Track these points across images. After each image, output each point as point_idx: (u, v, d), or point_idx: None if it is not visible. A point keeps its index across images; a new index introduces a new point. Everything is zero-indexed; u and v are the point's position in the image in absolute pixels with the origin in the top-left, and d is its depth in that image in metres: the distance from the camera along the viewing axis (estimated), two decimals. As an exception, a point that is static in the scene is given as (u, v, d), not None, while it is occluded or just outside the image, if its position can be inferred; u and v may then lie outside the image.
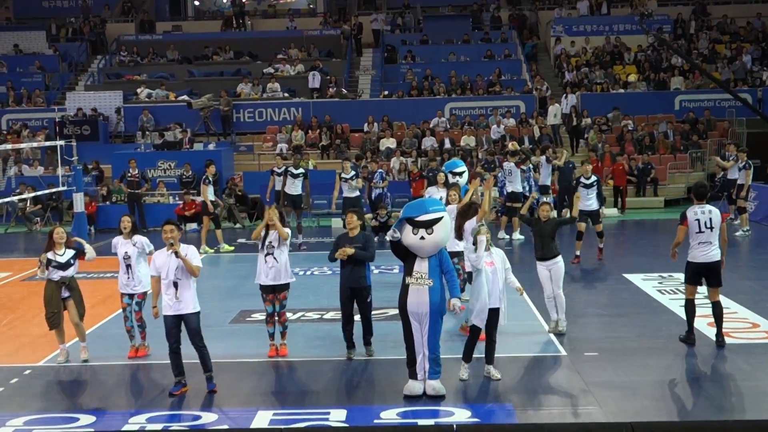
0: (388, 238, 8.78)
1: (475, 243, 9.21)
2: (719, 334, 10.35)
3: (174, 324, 9.04)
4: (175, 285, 9.01)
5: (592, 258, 16.29)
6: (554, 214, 11.78)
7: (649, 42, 31.82)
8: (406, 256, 8.72)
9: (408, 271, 8.69)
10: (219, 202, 20.11)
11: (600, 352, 10.24)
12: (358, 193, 18.72)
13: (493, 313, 9.08)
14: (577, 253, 16.08)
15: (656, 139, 26.80)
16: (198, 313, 9.16)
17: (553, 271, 10.94)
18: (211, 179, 18.92)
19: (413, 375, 8.76)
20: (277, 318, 10.34)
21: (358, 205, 18.22)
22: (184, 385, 9.14)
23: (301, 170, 18.98)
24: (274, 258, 10.16)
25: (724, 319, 10.43)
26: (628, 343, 10.64)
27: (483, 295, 8.99)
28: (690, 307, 10.44)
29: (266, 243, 10.20)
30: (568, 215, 10.81)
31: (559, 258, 11.02)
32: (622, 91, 29.57)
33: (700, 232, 10.22)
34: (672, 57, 30.71)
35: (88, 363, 10.24)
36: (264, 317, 10.50)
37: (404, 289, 8.70)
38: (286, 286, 10.31)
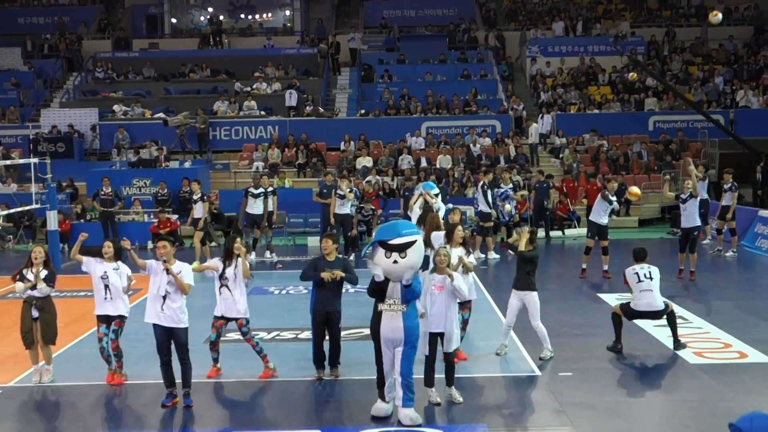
0: (376, 276, 8.60)
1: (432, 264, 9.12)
2: (676, 340, 11.15)
3: (164, 337, 9.16)
4: (164, 298, 9.12)
5: (571, 278, 16.35)
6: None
7: (623, 63, 32.19)
8: (378, 286, 8.55)
9: (381, 298, 8.56)
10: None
11: (574, 372, 10.27)
12: (348, 210, 19.02)
13: (437, 338, 8.96)
14: (584, 266, 16.42)
15: (630, 159, 27.05)
16: (186, 329, 9.24)
17: (526, 301, 10.75)
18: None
19: (381, 396, 8.73)
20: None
21: (347, 222, 18.53)
22: (175, 396, 9.22)
23: (261, 190, 19.10)
24: (228, 290, 10.10)
25: (694, 338, 10.71)
26: (603, 364, 10.69)
27: (423, 321, 8.86)
28: (617, 320, 11.28)
29: (223, 275, 10.09)
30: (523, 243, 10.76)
31: (534, 293, 10.81)
32: (596, 111, 29.85)
33: (640, 281, 11.13)
34: (646, 78, 31.06)
35: (56, 384, 10.11)
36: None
37: (377, 315, 8.59)
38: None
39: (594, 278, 16.51)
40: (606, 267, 16.51)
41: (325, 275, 9.81)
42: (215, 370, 10.33)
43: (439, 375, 9.13)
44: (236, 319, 10.16)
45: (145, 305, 9.34)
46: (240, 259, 10.05)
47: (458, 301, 9.28)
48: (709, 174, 25.86)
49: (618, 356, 10.96)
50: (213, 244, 22.60)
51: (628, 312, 11.26)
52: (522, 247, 10.72)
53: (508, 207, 20.01)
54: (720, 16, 16.33)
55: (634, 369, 10.44)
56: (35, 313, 10.09)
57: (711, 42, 33.69)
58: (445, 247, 9.48)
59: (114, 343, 10.09)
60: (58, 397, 9.85)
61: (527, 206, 22.57)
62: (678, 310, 10.92)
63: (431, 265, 9.20)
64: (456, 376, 9.28)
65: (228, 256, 10.14)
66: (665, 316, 11.18)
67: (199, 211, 19.71)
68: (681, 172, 26.04)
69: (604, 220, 16.43)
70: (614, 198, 16.49)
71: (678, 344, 11.05)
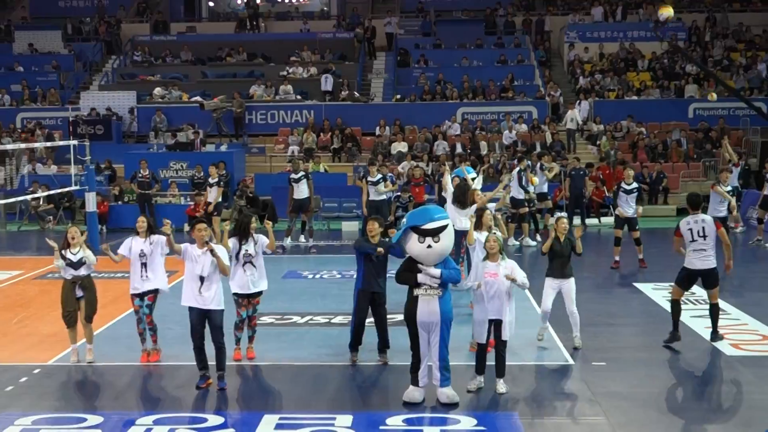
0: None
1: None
2: (714, 331, 10.75)
3: (199, 320, 9.24)
4: (201, 280, 9.16)
5: (605, 266, 16.23)
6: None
7: (663, 49, 31.75)
8: (409, 280, 8.61)
9: (414, 283, 8.62)
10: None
11: (608, 362, 10.20)
12: (384, 197, 18.88)
13: (495, 325, 9.00)
14: (617, 258, 16.23)
15: (669, 147, 26.72)
16: (222, 311, 9.32)
17: (564, 289, 10.67)
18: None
19: (415, 381, 8.75)
20: (247, 322, 10.34)
21: (383, 209, 18.43)
22: (208, 378, 9.33)
23: (301, 173, 19.01)
24: (254, 266, 10.16)
25: (732, 329, 10.52)
26: (637, 354, 10.62)
27: (480, 307, 8.99)
28: (676, 307, 10.80)
29: (242, 252, 10.13)
30: (575, 237, 10.56)
31: (572, 279, 10.71)
32: (635, 98, 29.51)
33: (693, 240, 10.60)
34: (686, 64, 30.62)
35: (93, 364, 10.27)
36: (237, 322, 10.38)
37: (412, 300, 8.63)
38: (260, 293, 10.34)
39: (629, 267, 16.36)
40: (641, 256, 16.33)
41: (381, 250, 9.76)
42: (239, 353, 10.39)
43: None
44: (259, 294, 10.20)
45: (181, 288, 9.43)
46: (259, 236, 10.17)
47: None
48: (750, 163, 25.53)
49: (654, 346, 10.84)
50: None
51: (683, 277, 10.75)
52: (579, 249, 10.61)
53: (535, 179, 19.81)
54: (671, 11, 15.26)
55: (669, 360, 10.34)
56: (80, 293, 10.24)
57: (754, 28, 33.10)
58: (494, 233, 9.47)
59: (148, 318, 10.32)
60: (95, 377, 10.00)
61: (563, 193, 22.41)
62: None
63: (483, 252, 9.24)
64: (487, 363, 9.25)
65: (244, 235, 10.13)
66: (708, 308, 10.85)
67: (212, 194, 19.82)
68: (720, 161, 25.71)
69: (629, 212, 16.13)
70: (633, 185, 16.18)
71: (715, 336, 10.81)
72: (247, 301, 10.24)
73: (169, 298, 10.84)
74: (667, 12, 14.29)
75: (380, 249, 9.80)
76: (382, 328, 10.15)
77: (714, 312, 10.83)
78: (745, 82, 29.46)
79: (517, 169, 19.41)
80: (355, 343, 10.20)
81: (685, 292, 11.00)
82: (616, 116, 28.36)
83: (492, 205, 11.94)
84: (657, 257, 17.50)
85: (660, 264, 16.32)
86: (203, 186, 21.03)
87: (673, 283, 11.10)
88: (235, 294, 10.20)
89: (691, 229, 10.63)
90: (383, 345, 10.20)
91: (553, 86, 30.06)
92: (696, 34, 32.86)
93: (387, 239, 9.93)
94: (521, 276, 9.11)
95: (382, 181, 18.97)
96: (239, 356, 10.34)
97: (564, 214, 11.55)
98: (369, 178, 18.93)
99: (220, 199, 20.21)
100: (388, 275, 9.79)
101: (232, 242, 10.11)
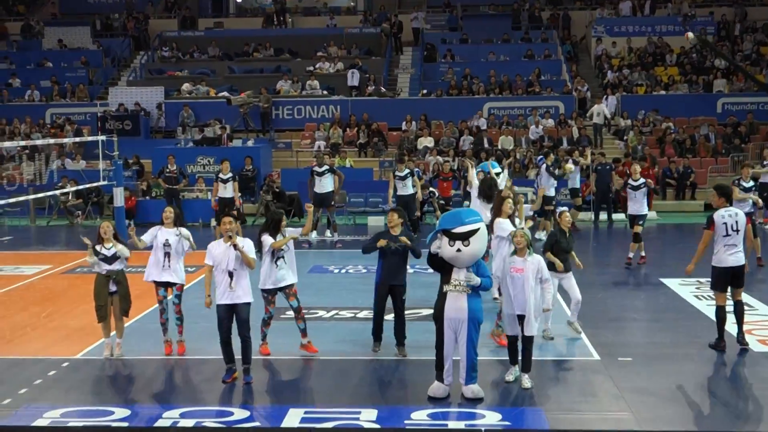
0: (432, 249, 8.70)
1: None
2: (740, 333, 10.35)
3: (226, 315, 9.31)
4: (231, 275, 9.24)
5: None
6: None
7: (691, 44, 31.41)
8: (443, 266, 8.67)
9: (446, 279, 8.63)
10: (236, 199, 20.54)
11: (634, 357, 10.15)
12: (412, 191, 18.87)
13: (520, 320, 8.99)
14: (642, 253, 16.06)
15: (697, 142, 26.48)
16: (249, 303, 9.40)
17: (567, 284, 10.84)
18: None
19: (440, 378, 8.78)
20: (295, 315, 10.32)
21: (411, 203, 18.44)
22: (234, 371, 9.40)
23: (325, 167, 19.01)
24: (285, 260, 10.20)
25: (759, 325, 10.32)
26: (664, 349, 10.54)
27: (507, 302, 9.04)
28: (721, 314, 10.32)
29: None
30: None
31: (571, 273, 10.92)
32: (663, 92, 29.26)
33: (727, 235, 10.20)
34: (715, 59, 30.31)
35: (120, 358, 10.36)
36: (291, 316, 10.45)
37: (442, 297, 8.64)
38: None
39: (656, 262, 16.25)
40: (631, 254, 16.05)
41: (381, 242, 9.91)
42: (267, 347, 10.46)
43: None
44: (292, 285, 10.24)
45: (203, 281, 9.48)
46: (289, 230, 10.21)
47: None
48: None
49: (680, 342, 10.77)
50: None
51: (717, 277, 10.30)
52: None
53: (569, 166, 19.72)
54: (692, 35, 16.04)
55: (696, 355, 10.25)
56: (113, 287, 10.34)
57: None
58: (522, 228, 9.47)
59: (177, 307, 10.45)
60: (122, 371, 10.09)
61: (590, 189, 22.29)
62: (743, 296, 10.53)
63: (511, 248, 9.27)
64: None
65: (277, 229, 10.16)
66: (733, 307, 10.39)
67: (228, 191, 19.66)
68: (749, 155, 25.44)
69: (641, 209, 15.95)
70: (641, 180, 15.97)
71: (742, 337, 10.33)
72: (274, 297, 10.28)
73: (196, 293, 10.92)
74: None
75: (382, 241, 9.92)
76: (398, 321, 10.22)
77: (739, 311, 10.39)
78: (775, 76, 29.12)
79: (544, 165, 19.33)
80: (377, 332, 10.30)
81: (727, 294, 10.39)
82: (643, 111, 28.14)
83: (527, 206, 11.89)
84: (683, 252, 17.32)
85: (687, 260, 16.14)
86: (226, 181, 20.97)
87: (710, 289, 10.69)
88: (264, 290, 10.21)
89: (725, 223, 10.21)
90: (400, 338, 10.26)
91: (580, 81, 29.88)
92: (725, 29, 32.51)
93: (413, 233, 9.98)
94: (548, 298, 9.23)
95: (409, 177, 18.99)
96: (267, 351, 10.39)
97: (565, 208, 11.50)
98: (397, 173, 18.96)
99: (232, 194, 19.98)
100: (416, 268, 9.81)
101: (265, 238, 10.10)
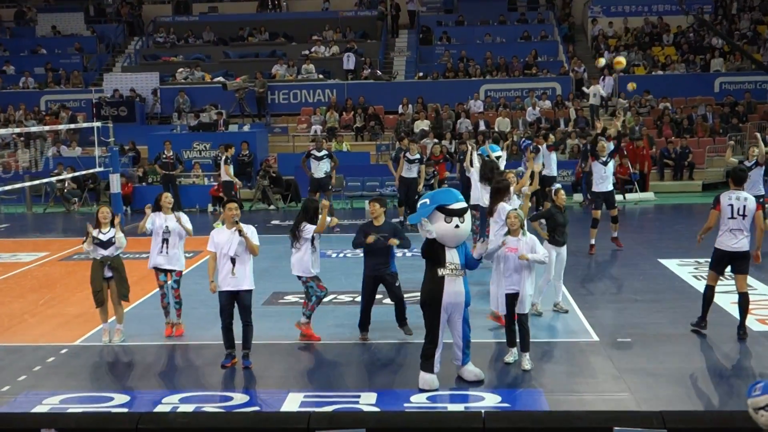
0: (426, 234, 8.52)
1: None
2: (741, 327, 10.09)
3: (228, 301, 9.29)
4: (233, 261, 9.21)
5: (630, 242, 16.08)
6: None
7: (689, 23, 31.32)
8: (434, 251, 8.42)
9: (440, 263, 8.34)
10: (237, 182, 20.66)
11: (633, 338, 10.15)
12: (415, 174, 18.82)
13: (512, 298, 9.00)
14: (592, 242, 15.34)
15: (695, 122, 26.43)
16: (251, 290, 9.38)
17: (560, 256, 11.04)
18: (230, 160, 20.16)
19: (429, 368, 8.51)
20: (317, 302, 10.31)
21: (413, 185, 18.45)
22: (234, 357, 9.41)
23: (324, 152, 19.01)
24: (314, 248, 10.20)
25: (759, 305, 10.29)
26: (662, 330, 10.54)
27: (497, 281, 9.05)
28: (709, 293, 10.23)
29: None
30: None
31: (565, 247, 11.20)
32: (660, 72, 29.18)
33: (732, 218, 9.94)
34: (712, 38, 30.22)
35: (119, 343, 10.36)
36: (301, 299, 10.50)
37: (438, 281, 8.34)
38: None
39: (654, 243, 16.24)
40: (615, 234, 15.72)
41: (370, 239, 9.91)
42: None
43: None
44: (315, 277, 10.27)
45: (205, 267, 9.46)
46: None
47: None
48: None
49: (679, 322, 10.76)
50: (272, 207, 22.86)
51: (715, 259, 10.11)
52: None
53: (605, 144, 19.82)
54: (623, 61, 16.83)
55: (694, 335, 10.24)
56: (108, 273, 10.32)
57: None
58: (515, 209, 9.43)
59: (176, 291, 10.52)
60: (122, 356, 10.08)
61: (626, 170, 22.23)
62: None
63: (505, 228, 9.30)
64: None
65: (316, 217, 10.11)
66: (738, 298, 10.13)
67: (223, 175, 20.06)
68: (747, 135, 25.39)
69: (607, 185, 15.48)
70: (607, 158, 15.47)
71: (743, 331, 10.05)
72: (319, 281, 10.28)
73: (196, 278, 10.90)
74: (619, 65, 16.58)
75: (370, 237, 9.92)
76: (396, 303, 10.26)
77: (744, 303, 10.05)
78: (772, 55, 29.04)
79: (545, 145, 19.23)
80: (363, 323, 10.32)
81: (720, 276, 10.29)
82: (640, 92, 28.06)
83: (525, 188, 11.86)
84: (681, 233, 17.39)
85: (686, 240, 16.19)
86: (247, 165, 20.91)
87: (707, 269, 10.48)
88: (312, 278, 10.21)
89: (732, 205, 9.91)
90: (401, 319, 10.30)
91: (577, 62, 29.78)
92: (722, 7, 32.40)
93: (394, 220, 9.98)
94: (541, 253, 9.14)
95: (418, 162, 18.93)
96: (310, 331, 10.34)
97: (559, 185, 11.50)
98: (408, 155, 18.87)
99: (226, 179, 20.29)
100: (411, 253, 9.78)
101: (308, 227, 10.03)
